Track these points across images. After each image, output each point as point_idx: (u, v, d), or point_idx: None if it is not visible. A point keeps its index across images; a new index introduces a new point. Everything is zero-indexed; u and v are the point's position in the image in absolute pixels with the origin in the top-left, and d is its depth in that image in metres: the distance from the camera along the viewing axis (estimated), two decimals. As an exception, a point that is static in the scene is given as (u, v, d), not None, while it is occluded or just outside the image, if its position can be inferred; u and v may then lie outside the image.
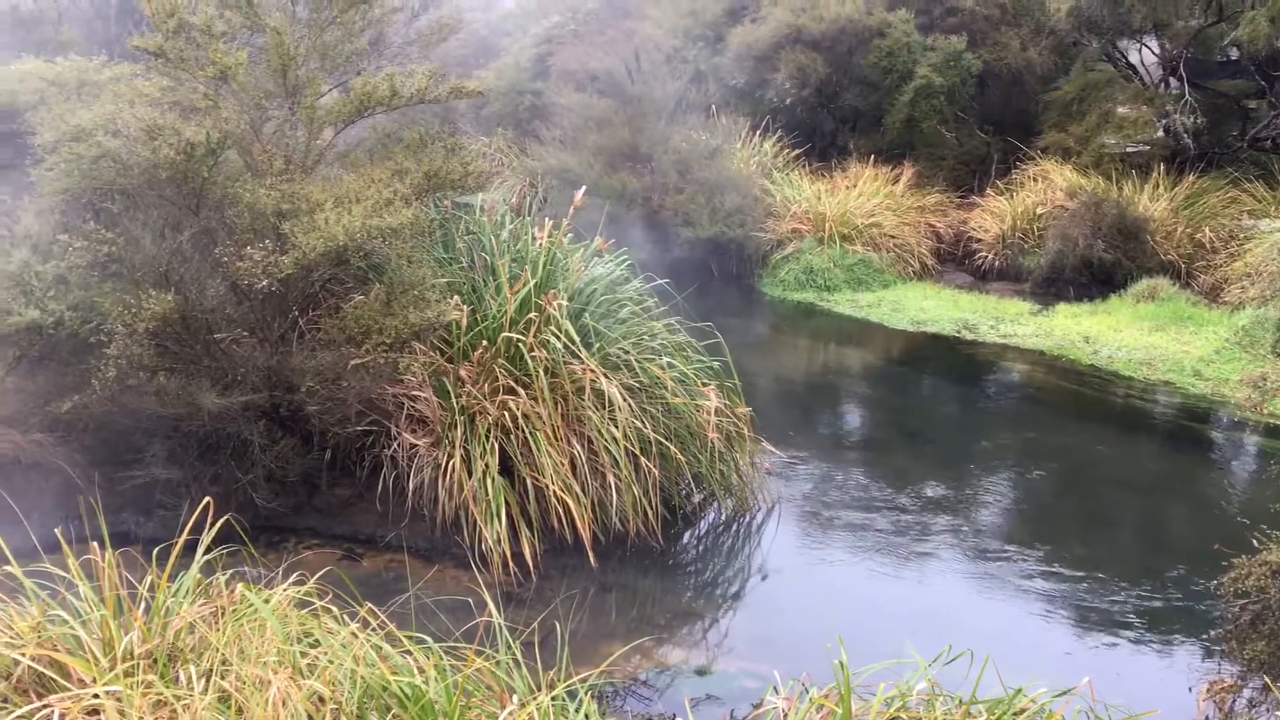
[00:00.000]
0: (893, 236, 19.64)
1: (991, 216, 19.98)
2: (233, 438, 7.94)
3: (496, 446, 7.94)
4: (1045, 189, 19.34)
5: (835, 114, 22.84)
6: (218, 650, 4.40)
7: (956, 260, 20.41)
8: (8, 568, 4.83)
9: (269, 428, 8.10)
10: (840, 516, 9.21)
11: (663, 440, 8.41)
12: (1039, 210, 19.04)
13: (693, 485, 9.15)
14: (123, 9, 11.85)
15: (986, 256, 19.60)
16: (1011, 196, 19.89)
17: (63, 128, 7.68)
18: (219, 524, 5.15)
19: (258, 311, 7.80)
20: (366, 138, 9.29)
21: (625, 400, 8.17)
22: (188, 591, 5.02)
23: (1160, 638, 7.32)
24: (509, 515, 7.75)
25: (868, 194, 20.09)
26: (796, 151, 21.78)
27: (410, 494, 8.00)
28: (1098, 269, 17.77)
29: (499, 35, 27.94)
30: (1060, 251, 17.85)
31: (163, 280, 7.33)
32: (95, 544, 4.87)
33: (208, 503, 5.13)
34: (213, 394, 7.46)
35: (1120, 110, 19.81)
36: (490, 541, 7.57)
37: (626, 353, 8.68)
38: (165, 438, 7.90)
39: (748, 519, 9.12)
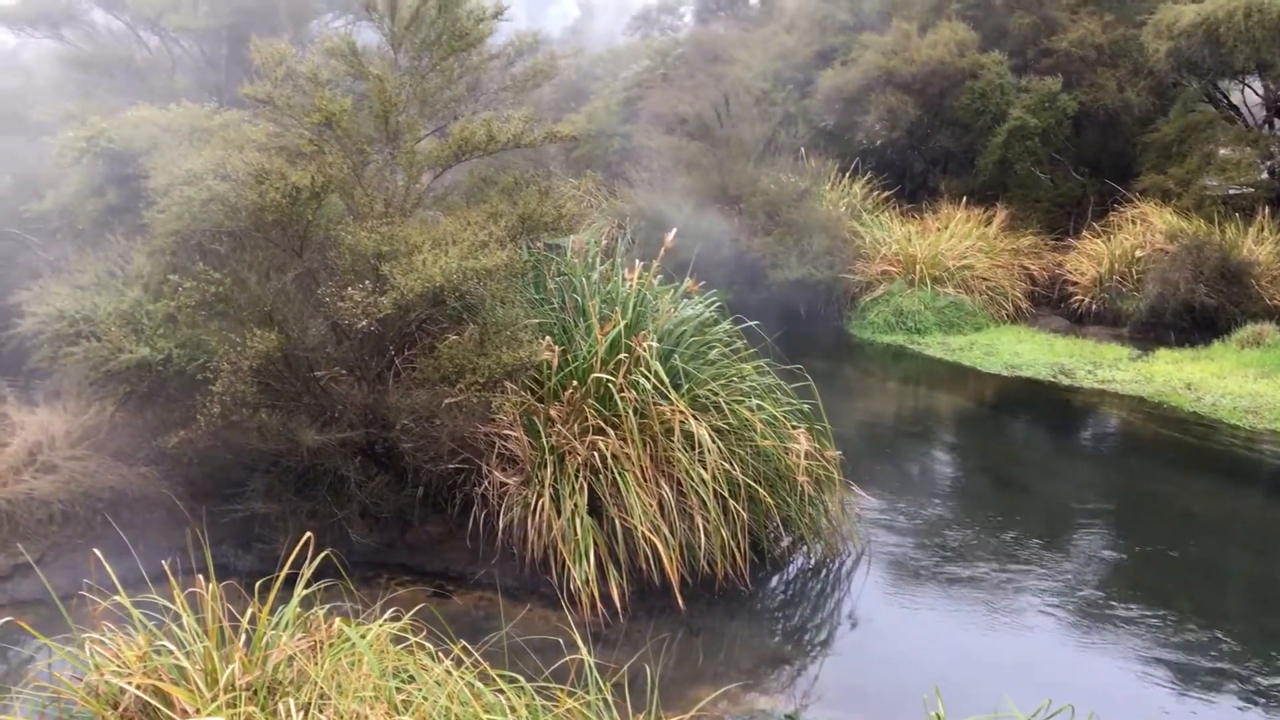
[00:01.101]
0: (985, 279, 19.36)
1: (1088, 259, 19.58)
2: (329, 473, 8.11)
3: (585, 486, 7.98)
4: (1144, 232, 18.90)
5: (926, 155, 22.70)
6: (316, 684, 4.47)
7: (1051, 303, 20.03)
8: (116, 598, 4.99)
9: (365, 464, 8.26)
10: (933, 564, 9.02)
11: (751, 483, 8.35)
12: (1137, 253, 18.60)
13: (781, 529, 9.06)
14: (232, 58, 12.34)
15: (1083, 300, 19.20)
16: (1109, 239, 19.48)
17: (175, 172, 7.98)
18: (319, 559, 5.24)
19: (356, 350, 7.98)
20: (462, 181, 9.48)
21: (714, 442, 8.15)
22: (287, 624, 5.12)
23: (1268, 701, 7.00)
24: (597, 555, 7.75)
25: (959, 236, 19.86)
26: (886, 193, 21.68)
27: (500, 532, 8.05)
28: (1199, 314, 17.27)
29: (588, 80, 28.34)
30: (1160, 295, 17.41)
31: (267, 319, 7.55)
32: (200, 576, 5.00)
33: (308, 538, 5.23)
34: (312, 430, 7.64)
35: (1222, 152, 19.32)
36: (578, 581, 7.58)
37: (716, 394, 8.67)
38: (265, 472, 8.11)
39: (837, 564, 8.99)
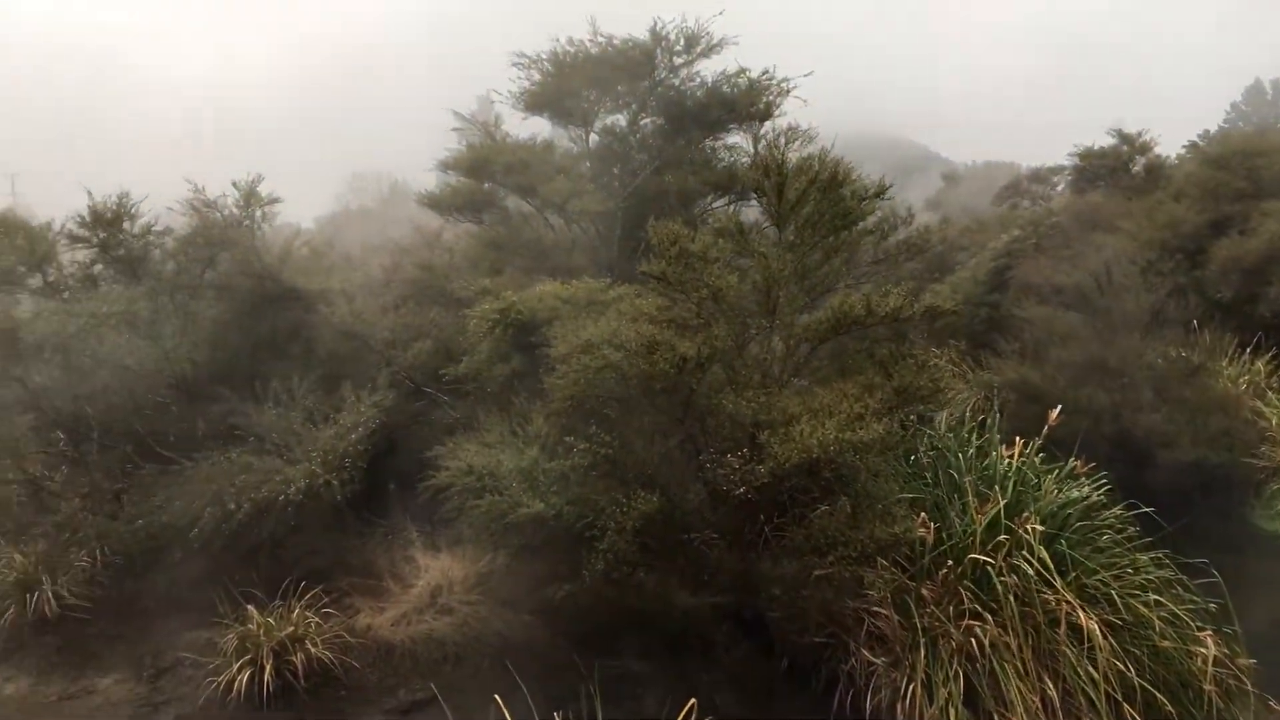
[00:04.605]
0: None
1: None
2: (699, 637, 8.23)
3: (961, 675, 7.56)
4: None
5: (1342, 330, 20.32)
6: None
7: None
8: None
9: (733, 631, 8.32)
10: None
11: (1148, 687, 7.57)
12: None
13: (1183, 743, 8.09)
14: (624, 237, 13.40)
15: None
16: None
17: (573, 341, 8.68)
18: (698, 726, 5.28)
19: (731, 516, 8.16)
20: (838, 352, 9.59)
21: (1105, 638, 7.53)
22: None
23: None
24: (973, 752, 7.28)
25: (1388, 419, 17.44)
26: (1295, 371, 19.53)
27: (868, 714, 7.77)
28: None
29: (953, 250, 28.03)
30: None
31: (650, 482, 7.92)
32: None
33: (692, 704, 5.29)
34: (685, 592, 7.84)
35: None
36: (953, 778, 7.12)
37: (1107, 585, 8.05)
38: (639, 631, 8.34)
39: (1251, 792, 7.87)
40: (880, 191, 9.02)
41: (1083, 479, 8.99)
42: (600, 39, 14.05)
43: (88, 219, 11.68)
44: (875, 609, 8.13)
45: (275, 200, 12.21)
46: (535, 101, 14.17)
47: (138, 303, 11.18)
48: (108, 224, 11.71)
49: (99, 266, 12.11)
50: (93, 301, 10.96)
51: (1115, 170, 24.85)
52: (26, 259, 11.68)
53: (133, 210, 11.84)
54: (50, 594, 10.05)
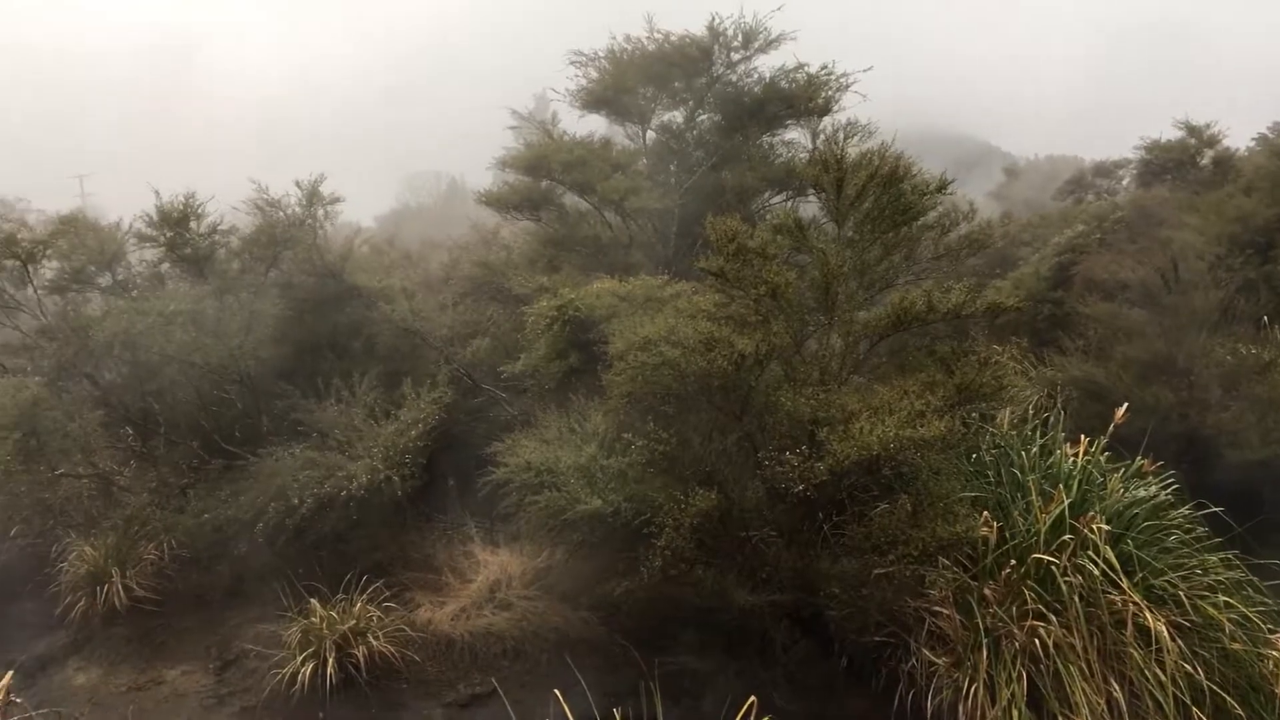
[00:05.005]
0: None
1: None
2: (757, 635, 8.20)
3: (1024, 676, 7.45)
4: None
5: None
6: None
7: None
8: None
9: (791, 629, 8.27)
10: None
11: (1217, 690, 7.40)
12: None
13: (1254, 748, 7.90)
14: (680, 234, 13.38)
15: None
16: None
17: (630, 338, 8.68)
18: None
19: (789, 514, 8.12)
20: (898, 349, 9.49)
21: (1173, 640, 7.36)
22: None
23: None
24: (1036, 754, 7.17)
25: None
26: (1372, 366, 18.98)
27: (929, 714, 7.68)
28: None
29: (1015, 246, 27.63)
30: None
31: (708, 479, 7.91)
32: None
33: (752, 702, 5.28)
34: (743, 590, 7.81)
35: None
36: (1016, 780, 7.02)
37: (1174, 586, 7.87)
38: (697, 628, 8.34)
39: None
40: (942, 186, 8.91)
41: (1149, 478, 8.80)
42: (657, 36, 14.06)
43: (155, 219, 11.94)
44: (936, 608, 8.03)
45: (337, 199, 12.38)
46: (592, 99, 14.21)
47: (204, 301, 11.41)
48: (175, 223, 11.96)
49: (166, 265, 12.38)
50: (160, 300, 11.19)
51: (1182, 164, 24.33)
52: (97, 258, 11.96)
53: (199, 210, 12.08)
54: (120, 586, 10.30)
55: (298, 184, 11.98)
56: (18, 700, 6.21)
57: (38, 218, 18.21)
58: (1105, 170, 31.31)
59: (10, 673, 7.98)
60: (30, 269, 11.72)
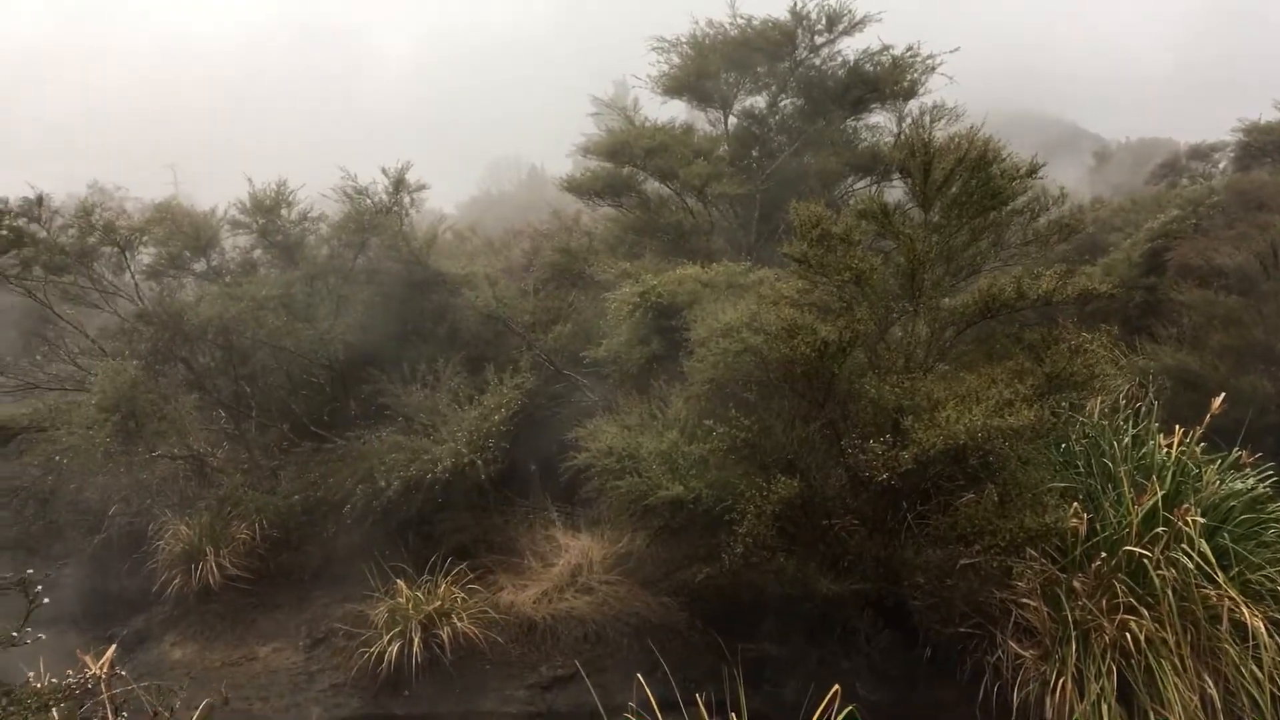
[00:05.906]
0: None
1: None
2: (839, 624, 8.15)
3: (1114, 670, 7.29)
4: None
5: None
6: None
7: None
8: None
9: (874, 618, 8.20)
10: None
11: (1320, 690, 7.17)
12: None
13: (1358, 752, 7.63)
14: (762, 219, 13.29)
15: None
16: None
17: (712, 324, 8.66)
18: (842, 715, 5.24)
19: (873, 503, 8.04)
20: (985, 336, 9.33)
21: (1271, 636, 7.15)
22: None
23: None
24: (1127, 750, 7.01)
25: None
26: None
27: (1014, 708, 7.57)
28: None
29: (1106, 231, 26.90)
30: None
31: (790, 467, 7.86)
32: (733, 715, 5.18)
33: (836, 690, 5.25)
34: (826, 579, 7.76)
35: None
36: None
37: (1273, 581, 7.64)
38: (777, 616, 8.31)
39: None
40: (1032, 170, 8.71)
41: (1247, 470, 8.53)
42: (740, 20, 13.93)
43: (248, 206, 12.23)
44: (1023, 600, 7.89)
45: (422, 187, 12.55)
46: (674, 85, 14.14)
47: (294, 287, 11.66)
48: (267, 210, 12.23)
49: (258, 252, 12.67)
50: (252, 285, 11.46)
51: (1283, 144, 23.48)
52: (192, 245, 12.29)
53: (290, 197, 12.34)
54: (213, 564, 10.61)
55: (384, 171, 12.17)
56: (122, 673, 6.43)
57: (135, 205, 18.73)
58: (1201, 153, 30.33)
59: (114, 646, 8.30)
60: (128, 255, 12.07)
